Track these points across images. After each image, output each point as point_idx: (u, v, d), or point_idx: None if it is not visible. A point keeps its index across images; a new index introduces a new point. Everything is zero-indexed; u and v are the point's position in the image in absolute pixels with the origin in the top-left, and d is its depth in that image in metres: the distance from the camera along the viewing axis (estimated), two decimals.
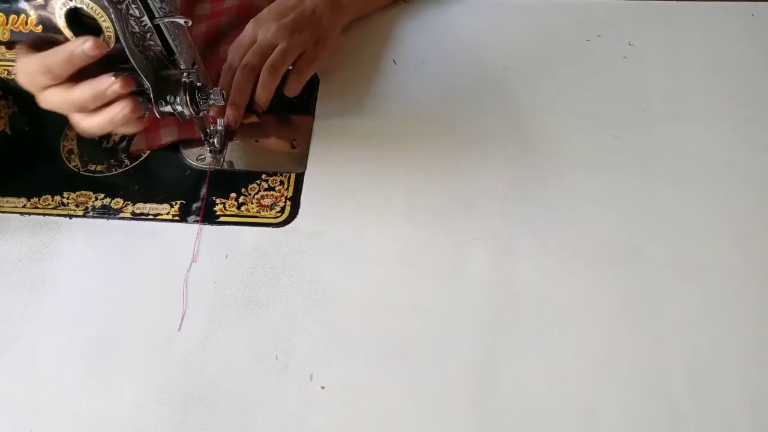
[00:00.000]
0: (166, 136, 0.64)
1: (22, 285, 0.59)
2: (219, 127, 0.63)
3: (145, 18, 0.50)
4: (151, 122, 0.65)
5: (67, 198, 0.63)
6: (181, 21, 0.50)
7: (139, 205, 0.62)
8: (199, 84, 0.55)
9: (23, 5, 0.52)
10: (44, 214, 0.62)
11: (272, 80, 0.61)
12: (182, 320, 0.55)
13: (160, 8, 0.50)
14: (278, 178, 0.63)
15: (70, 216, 0.62)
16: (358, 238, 0.58)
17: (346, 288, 0.56)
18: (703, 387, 0.50)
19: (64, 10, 0.50)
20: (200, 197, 0.62)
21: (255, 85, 0.62)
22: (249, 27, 0.65)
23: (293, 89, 0.63)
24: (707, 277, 0.54)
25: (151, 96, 0.54)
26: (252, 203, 0.61)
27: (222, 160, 0.64)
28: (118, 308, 0.57)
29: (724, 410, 0.49)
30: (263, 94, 0.62)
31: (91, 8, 0.49)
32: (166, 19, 0.50)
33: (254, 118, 0.66)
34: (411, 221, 0.59)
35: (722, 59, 0.66)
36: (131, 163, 0.65)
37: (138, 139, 0.65)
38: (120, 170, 0.64)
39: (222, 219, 0.60)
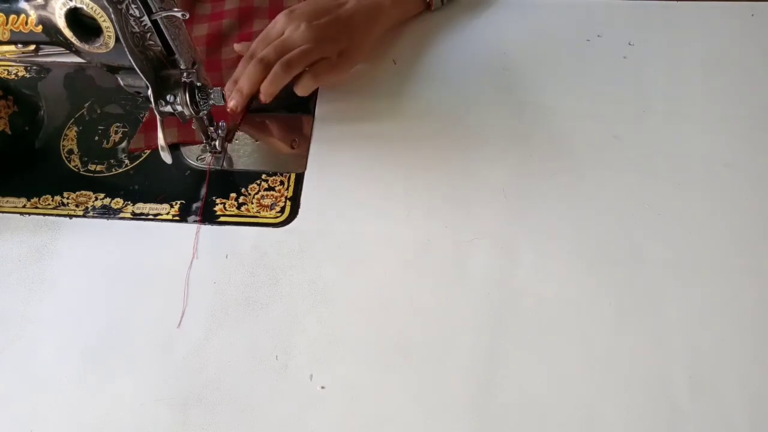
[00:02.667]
0: (166, 137, 0.64)
1: (22, 285, 0.59)
2: (220, 131, 0.63)
3: (145, 18, 0.50)
4: (151, 121, 0.65)
5: (67, 198, 0.63)
6: (179, 14, 0.50)
7: (139, 205, 0.62)
8: (199, 84, 0.55)
9: (23, 5, 0.52)
10: (44, 214, 0.62)
11: (282, 76, 0.60)
12: (182, 317, 0.55)
13: (159, 8, 0.50)
14: (278, 178, 0.63)
15: (70, 216, 0.62)
16: (358, 238, 0.58)
17: (346, 288, 0.56)
18: (703, 387, 0.50)
19: (64, 10, 0.50)
20: (200, 197, 0.62)
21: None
22: (280, 19, 0.63)
23: (305, 88, 0.62)
24: (707, 277, 0.54)
25: (151, 96, 0.54)
26: (252, 203, 0.61)
27: (222, 159, 0.64)
28: (118, 308, 0.57)
29: (724, 410, 0.49)
30: (269, 87, 0.61)
31: (91, 8, 0.49)
32: (164, 13, 0.50)
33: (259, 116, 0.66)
34: (411, 221, 0.59)
35: (722, 59, 0.66)
36: (131, 163, 0.65)
37: (137, 138, 0.65)
38: (120, 170, 0.64)
39: (222, 219, 0.60)
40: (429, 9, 0.72)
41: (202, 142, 0.63)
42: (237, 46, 0.68)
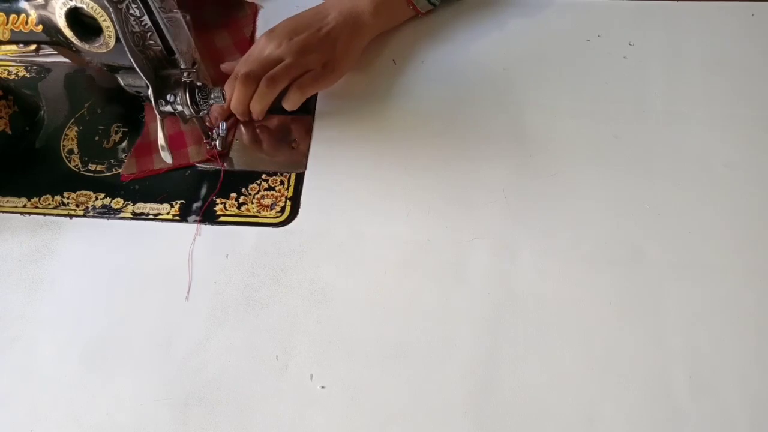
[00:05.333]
0: (159, 163, 0.63)
1: (22, 285, 0.59)
2: (220, 131, 0.63)
3: (145, 18, 0.50)
4: (144, 147, 0.65)
5: (67, 198, 0.63)
6: (179, 15, 0.51)
7: (139, 205, 0.62)
8: (199, 83, 0.55)
9: (23, 5, 0.53)
10: (44, 214, 0.62)
11: (268, 92, 0.61)
12: (188, 291, 0.56)
13: (160, 8, 0.50)
14: (278, 178, 0.63)
15: (70, 216, 0.62)
16: (358, 238, 0.58)
17: (346, 288, 0.56)
18: (703, 387, 0.50)
19: (64, 9, 0.50)
20: (200, 197, 0.62)
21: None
22: (261, 40, 0.64)
23: (292, 102, 0.62)
24: (707, 277, 0.54)
25: (151, 96, 0.54)
26: (252, 203, 0.61)
27: (222, 159, 0.64)
28: (118, 308, 0.57)
29: (724, 410, 0.49)
30: (257, 105, 0.62)
31: (91, 8, 0.49)
32: (165, 15, 0.50)
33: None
34: (411, 221, 0.59)
35: (722, 59, 0.66)
36: None
37: (129, 163, 0.64)
38: (120, 170, 0.64)
39: (222, 219, 0.60)
40: (419, 14, 0.71)
41: (196, 163, 0.63)
42: (224, 66, 0.68)
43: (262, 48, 0.64)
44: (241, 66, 0.64)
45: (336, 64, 0.64)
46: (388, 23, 0.70)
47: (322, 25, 0.64)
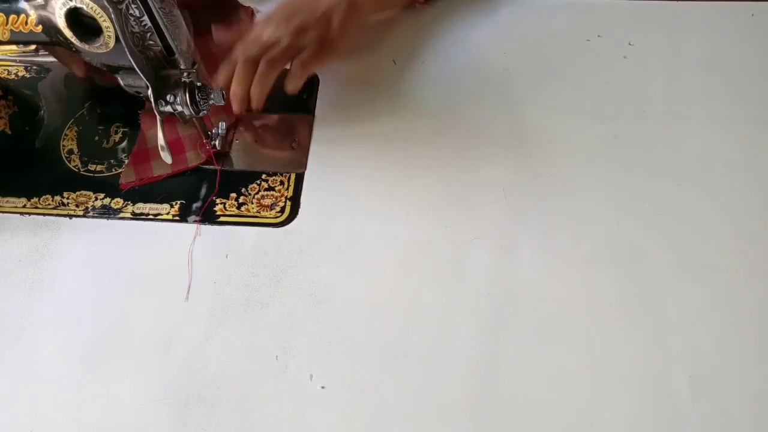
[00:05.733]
0: (158, 169, 0.63)
1: (22, 285, 0.59)
2: (220, 131, 0.63)
3: (145, 18, 0.50)
4: (141, 154, 0.65)
5: (67, 198, 0.63)
6: (179, 15, 0.51)
7: (139, 205, 0.62)
8: (199, 84, 0.55)
9: (23, 5, 0.53)
10: (44, 214, 0.62)
11: (268, 73, 0.61)
12: (188, 291, 0.56)
13: (159, 8, 0.50)
14: (278, 178, 0.63)
15: (70, 216, 0.62)
16: (358, 238, 0.58)
17: (346, 288, 0.56)
18: (703, 387, 0.50)
19: (64, 10, 0.50)
20: (200, 197, 0.62)
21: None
22: (258, 24, 0.64)
23: (294, 81, 0.62)
24: (707, 277, 0.54)
25: (151, 96, 0.54)
26: (252, 203, 0.61)
27: (222, 159, 0.64)
28: (118, 308, 0.57)
29: (724, 410, 0.49)
30: (258, 88, 0.61)
31: (91, 8, 0.49)
32: (165, 15, 0.50)
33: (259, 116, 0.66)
34: (411, 221, 0.59)
35: (722, 59, 0.66)
36: None
37: (127, 171, 0.64)
38: (120, 170, 0.64)
39: (222, 219, 0.60)
40: (416, 2, 0.71)
41: (195, 167, 0.63)
42: (216, 35, 0.68)
43: (259, 32, 0.63)
44: (238, 50, 0.63)
45: (333, 41, 0.64)
46: (385, 4, 0.70)
47: (318, 5, 0.64)
